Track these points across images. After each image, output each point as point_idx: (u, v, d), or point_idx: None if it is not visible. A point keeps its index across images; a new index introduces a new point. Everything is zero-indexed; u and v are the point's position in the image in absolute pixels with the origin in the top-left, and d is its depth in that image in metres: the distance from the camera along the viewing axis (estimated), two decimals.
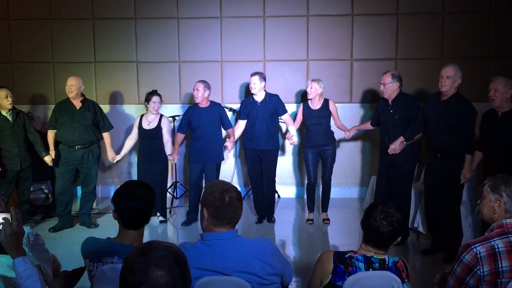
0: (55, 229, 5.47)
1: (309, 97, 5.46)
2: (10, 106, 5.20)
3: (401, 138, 4.79)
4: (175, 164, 6.29)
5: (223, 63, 6.59)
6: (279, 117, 5.69)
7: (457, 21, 6.29)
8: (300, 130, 5.95)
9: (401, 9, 6.34)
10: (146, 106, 5.70)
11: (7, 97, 5.16)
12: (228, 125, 5.71)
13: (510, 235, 2.29)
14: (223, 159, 5.80)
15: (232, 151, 6.64)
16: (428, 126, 4.67)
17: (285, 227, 5.71)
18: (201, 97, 5.52)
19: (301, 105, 5.66)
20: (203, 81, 5.59)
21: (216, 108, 5.64)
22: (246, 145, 5.65)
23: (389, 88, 4.93)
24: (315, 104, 5.49)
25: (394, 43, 6.39)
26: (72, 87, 5.38)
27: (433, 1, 6.29)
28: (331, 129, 5.58)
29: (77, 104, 5.46)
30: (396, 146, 4.79)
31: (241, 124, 5.73)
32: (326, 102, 5.49)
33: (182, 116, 5.82)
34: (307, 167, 5.63)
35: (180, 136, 5.72)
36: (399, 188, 4.95)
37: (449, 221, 4.57)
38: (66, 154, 5.45)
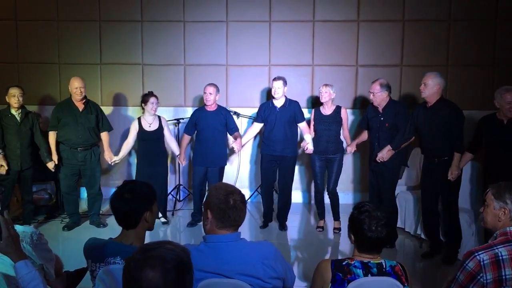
0: (69, 227, 5.54)
1: (322, 100, 5.41)
2: (16, 105, 5.22)
3: (388, 147, 4.92)
4: (182, 166, 6.31)
5: (229, 67, 6.61)
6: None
7: (463, 29, 6.29)
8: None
9: (407, 15, 6.34)
10: (143, 108, 5.69)
11: (14, 96, 5.19)
12: (234, 130, 5.68)
13: None
14: (226, 163, 5.80)
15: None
16: (419, 133, 4.78)
17: (294, 232, 5.68)
18: (213, 100, 5.53)
19: (313, 111, 5.63)
20: (215, 85, 5.59)
21: (222, 112, 5.64)
22: (264, 150, 5.60)
23: (378, 97, 5.02)
24: (327, 110, 5.45)
25: (399, 50, 6.40)
26: (82, 90, 5.41)
27: (439, 9, 6.29)
28: (341, 138, 5.53)
29: (80, 106, 5.48)
30: (383, 154, 4.93)
31: (256, 127, 5.74)
32: (338, 109, 5.45)
33: (189, 117, 5.82)
34: (314, 175, 5.58)
35: (186, 138, 5.74)
36: (385, 191, 5.06)
37: (449, 222, 4.66)
38: (69, 155, 5.46)
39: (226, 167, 6.32)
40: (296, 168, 6.55)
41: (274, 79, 5.48)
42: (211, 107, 5.58)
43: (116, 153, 5.82)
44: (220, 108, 5.66)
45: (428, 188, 4.75)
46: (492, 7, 6.23)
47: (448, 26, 6.31)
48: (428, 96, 4.61)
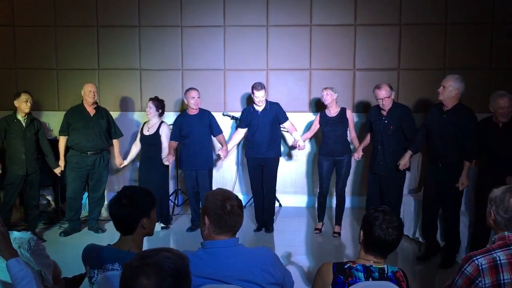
0: (66, 233, 5.56)
1: (326, 103, 5.44)
2: (27, 111, 5.27)
3: (410, 152, 4.88)
4: (179, 172, 6.33)
5: (226, 71, 6.62)
6: (281, 125, 5.71)
7: (459, 32, 6.30)
8: (316, 138, 5.92)
9: (404, 19, 6.36)
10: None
11: (27, 101, 5.24)
12: (217, 131, 5.76)
13: None
14: (213, 165, 5.87)
15: (234, 159, 6.65)
16: (429, 135, 4.73)
17: (294, 236, 5.68)
18: (199, 104, 5.63)
19: (318, 114, 5.68)
20: (196, 89, 5.66)
21: (205, 114, 5.71)
22: (248, 153, 5.69)
23: (389, 101, 5.03)
24: (332, 112, 5.49)
25: (396, 54, 6.41)
26: (95, 93, 5.56)
27: (436, 12, 6.31)
28: (348, 139, 5.56)
29: (91, 110, 5.58)
30: (406, 161, 4.89)
31: (240, 132, 5.81)
32: (343, 110, 5.49)
33: (173, 124, 5.84)
34: (320, 176, 5.60)
35: (173, 144, 5.72)
36: (390, 196, 5.06)
37: (449, 227, 4.66)
38: (78, 160, 5.51)
39: (224, 172, 6.32)
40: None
41: (256, 89, 5.45)
42: (194, 111, 5.64)
43: (122, 158, 5.92)
44: (202, 111, 5.72)
45: (430, 191, 4.74)
46: (489, 11, 6.25)
47: (445, 29, 6.33)
48: (445, 99, 4.52)
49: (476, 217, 4.71)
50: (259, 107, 5.56)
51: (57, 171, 5.53)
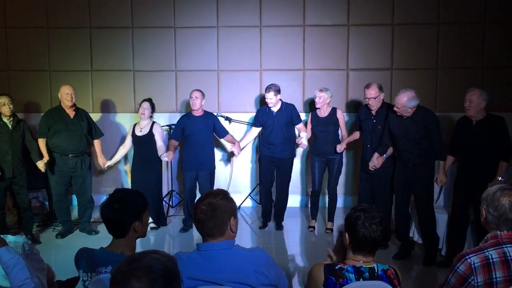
0: (62, 235, 5.55)
1: (317, 106, 5.51)
2: (8, 113, 5.18)
3: (376, 154, 4.97)
4: (170, 164, 6.32)
5: (220, 72, 6.61)
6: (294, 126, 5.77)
7: (452, 32, 6.34)
8: (309, 138, 5.96)
9: (397, 19, 6.38)
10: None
11: (5, 104, 5.15)
12: (223, 133, 5.81)
13: (504, 246, 2.30)
14: (215, 167, 5.87)
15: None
16: (395, 139, 4.78)
17: (290, 236, 5.71)
18: (199, 104, 5.62)
19: (310, 114, 5.74)
20: (200, 90, 5.69)
21: (210, 117, 5.74)
22: (263, 152, 5.73)
23: (378, 100, 5.08)
24: (323, 112, 5.55)
25: (389, 53, 6.43)
26: (73, 96, 5.46)
27: (428, 12, 6.34)
28: (339, 138, 5.62)
29: (71, 112, 5.51)
30: (374, 163, 4.97)
31: (254, 131, 5.88)
32: (333, 110, 5.55)
33: (176, 123, 5.86)
34: (312, 174, 5.68)
35: (174, 142, 5.78)
36: (381, 196, 5.12)
37: (425, 224, 4.73)
38: (59, 163, 5.47)
39: (220, 172, 6.30)
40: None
41: (266, 91, 5.55)
42: (198, 112, 5.66)
43: (109, 159, 5.87)
44: (207, 113, 5.74)
45: (401, 191, 4.81)
46: (481, 10, 6.28)
47: (437, 29, 6.35)
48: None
49: (452, 214, 4.73)
50: (274, 107, 5.60)
51: (40, 164, 5.31)
